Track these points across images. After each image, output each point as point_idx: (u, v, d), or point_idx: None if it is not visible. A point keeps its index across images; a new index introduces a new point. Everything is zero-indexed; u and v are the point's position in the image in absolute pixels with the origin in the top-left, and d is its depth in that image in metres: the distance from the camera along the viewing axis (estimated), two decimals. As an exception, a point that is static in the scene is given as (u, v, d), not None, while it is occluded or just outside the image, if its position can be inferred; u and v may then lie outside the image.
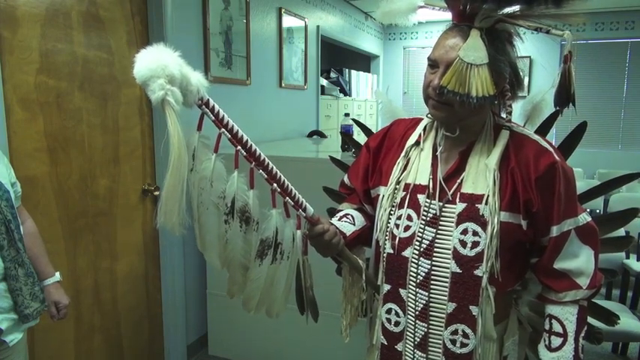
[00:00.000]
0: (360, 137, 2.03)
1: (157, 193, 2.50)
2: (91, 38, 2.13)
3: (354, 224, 1.24)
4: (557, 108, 1.15)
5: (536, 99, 1.42)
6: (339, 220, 1.24)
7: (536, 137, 1.10)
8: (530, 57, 5.21)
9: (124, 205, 2.38)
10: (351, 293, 1.26)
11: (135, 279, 2.49)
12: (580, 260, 1.08)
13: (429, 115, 1.17)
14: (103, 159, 2.24)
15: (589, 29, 5.14)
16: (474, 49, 0.99)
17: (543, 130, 1.46)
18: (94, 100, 2.17)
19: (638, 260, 2.91)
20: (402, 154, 1.18)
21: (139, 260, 2.51)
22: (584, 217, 1.10)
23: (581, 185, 3.62)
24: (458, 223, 1.06)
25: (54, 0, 1.96)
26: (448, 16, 1.12)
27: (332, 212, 1.46)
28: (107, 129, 2.25)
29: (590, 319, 1.40)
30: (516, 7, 1.05)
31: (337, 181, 1.41)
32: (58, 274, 1.62)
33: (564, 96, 1.12)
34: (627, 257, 2.89)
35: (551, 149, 1.07)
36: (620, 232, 2.21)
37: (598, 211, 4.11)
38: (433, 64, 1.06)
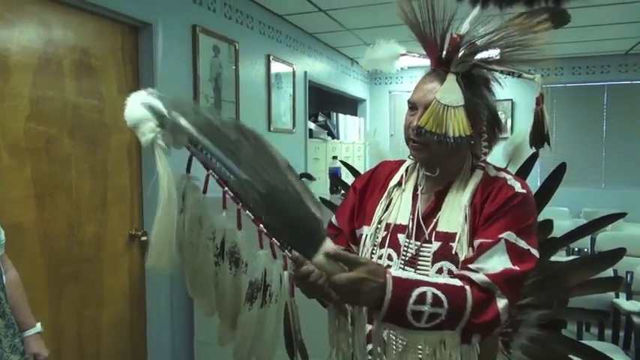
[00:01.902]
0: (348, 179, 2.04)
1: (144, 238, 2.47)
2: (82, 85, 2.16)
3: None
4: (533, 148, 1.19)
5: (518, 140, 1.46)
6: None
7: (507, 176, 1.11)
8: (511, 100, 5.36)
9: (111, 251, 2.34)
10: (337, 337, 1.23)
11: (120, 327, 2.42)
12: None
13: (410, 157, 1.19)
14: (90, 205, 2.22)
15: (567, 73, 5.34)
16: (449, 92, 1.04)
17: (525, 170, 1.49)
18: (84, 145, 2.18)
19: (627, 299, 2.90)
20: (385, 194, 1.20)
21: (124, 307, 2.44)
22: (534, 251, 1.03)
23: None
24: (433, 262, 1.07)
25: (46, 50, 2.00)
26: (428, 62, 1.17)
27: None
28: (96, 175, 2.25)
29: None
30: (491, 53, 1.10)
31: (326, 221, 1.41)
32: (39, 324, 1.57)
33: (538, 136, 1.16)
34: (617, 296, 2.88)
35: (517, 185, 1.07)
36: (609, 271, 2.21)
37: (586, 250, 4.12)
38: (413, 106, 1.11)
